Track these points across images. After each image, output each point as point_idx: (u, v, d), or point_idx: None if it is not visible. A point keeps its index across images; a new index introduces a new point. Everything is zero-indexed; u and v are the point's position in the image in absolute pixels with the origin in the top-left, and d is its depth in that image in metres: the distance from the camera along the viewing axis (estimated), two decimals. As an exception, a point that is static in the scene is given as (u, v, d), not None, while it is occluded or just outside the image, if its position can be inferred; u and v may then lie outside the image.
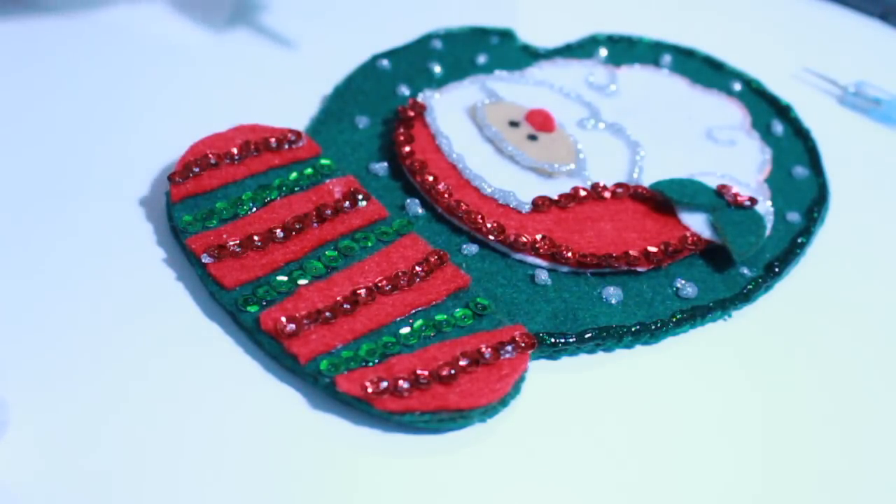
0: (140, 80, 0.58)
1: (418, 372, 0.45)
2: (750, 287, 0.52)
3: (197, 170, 0.51)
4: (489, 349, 0.46)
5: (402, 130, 0.55)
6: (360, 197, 0.52)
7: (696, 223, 0.53)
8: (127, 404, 0.45)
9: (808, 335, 0.51)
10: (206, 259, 0.48)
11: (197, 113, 0.56)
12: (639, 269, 0.52)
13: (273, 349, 0.46)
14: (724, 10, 0.70)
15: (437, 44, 0.62)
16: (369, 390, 0.44)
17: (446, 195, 0.53)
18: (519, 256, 0.51)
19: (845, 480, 0.46)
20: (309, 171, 0.53)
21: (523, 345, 0.47)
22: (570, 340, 0.48)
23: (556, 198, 0.54)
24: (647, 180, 0.55)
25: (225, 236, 0.49)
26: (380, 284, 0.48)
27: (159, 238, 0.51)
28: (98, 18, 0.58)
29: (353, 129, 0.57)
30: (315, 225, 0.51)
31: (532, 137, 0.56)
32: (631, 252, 0.52)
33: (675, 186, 0.54)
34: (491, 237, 0.51)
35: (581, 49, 0.64)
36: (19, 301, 0.48)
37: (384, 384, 0.45)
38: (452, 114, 0.57)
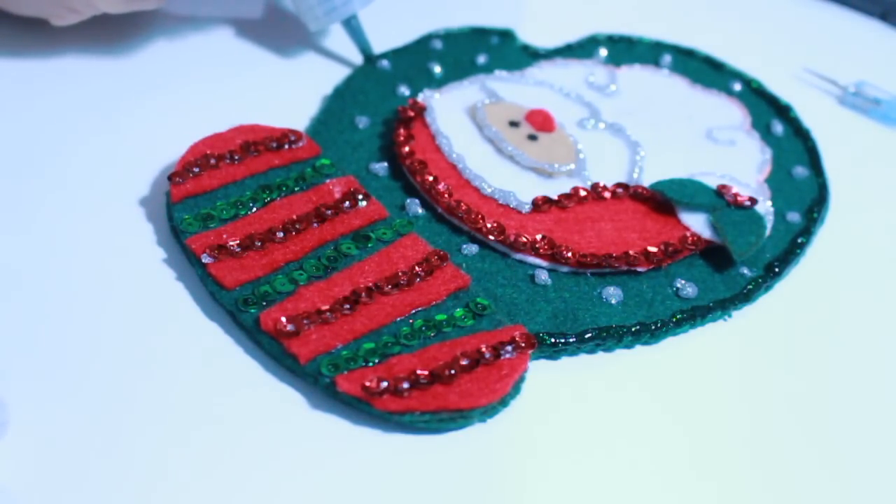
0: (140, 80, 0.58)
1: (418, 372, 0.45)
2: (750, 287, 0.52)
3: (197, 170, 0.51)
4: (489, 349, 0.46)
5: (402, 130, 0.55)
6: (360, 197, 0.52)
7: (696, 223, 0.53)
8: (126, 404, 0.45)
9: (808, 335, 0.51)
10: (206, 259, 0.48)
11: (197, 113, 0.56)
12: (639, 269, 0.52)
13: (273, 349, 0.46)
14: (724, 10, 0.70)
15: (437, 44, 0.62)
16: (369, 390, 0.44)
17: (446, 195, 0.53)
18: (519, 256, 0.51)
19: (846, 480, 0.46)
20: (309, 171, 0.53)
21: (523, 345, 0.47)
22: (570, 340, 0.48)
23: (556, 198, 0.54)
24: (647, 180, 0.55)
25: (225, 236, 0.49)
26: (380, 284, 0.48)
27: (159, 238, 0.51)
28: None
29: (353, 129, 0.57)
30: (315, 225, 0.51)
31: (532, 137, 0.56)
32: (631, 252, 0.52)
33: (675, 186, 0.54)
34: (491, 237, 0.51)
35: (581, 49, 0.64)
36: (19, 301, 0.48)
37: (384, 384, 0.45)
38: (452, 114, 0.57)
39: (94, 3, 0.55)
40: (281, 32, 0.62)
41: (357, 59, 0.61)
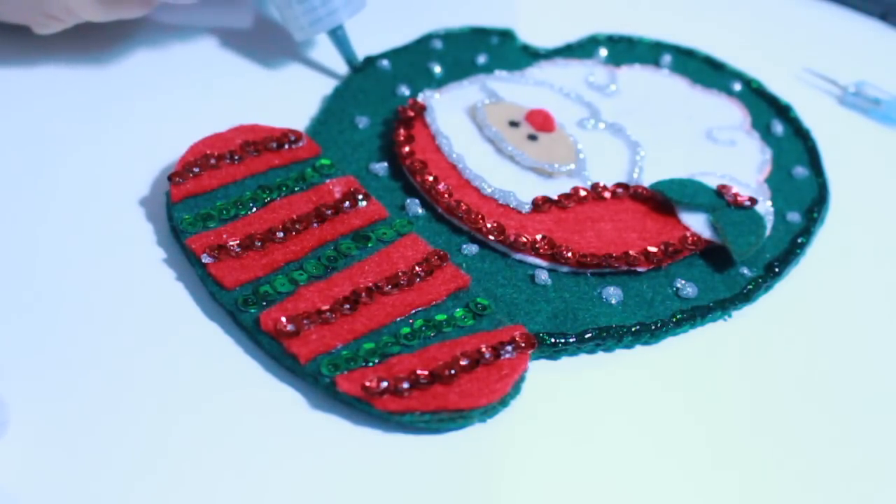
0: (140, 80, 0.58)
1: (418, 372, 0.45)
2: (750, 287, 0.52)
3: (197, 170, 0.51)
4: (489, 349, 0.46)
5: (402, 130, 0.55)
6: (360, 197, 0.52)
7: (696, 223, 0.53)
8: (127, 404, 0.45)
9: (808, 335, 0.51)
10: (206, 259, 0.48)
11: (197, 113, 0.56)
12: (639, 269, 0.52)
13: (273, 349, 0.46)
14: (724, 10, 0.70)
15: (437, 44, 0.62)
16: (369, 390, 0.44)
17: (446, 195, 0.53)
18: (519, 256, 0.51)
19: (846, 480, 0.46)
20: (309, 171, 0.53)
21: (523, 345, 0.47)
22: (570, 340, 0.48)
23: (556, 198, 0.54)
24: (647, 180, 0.55)
25: (225, 236, 0.49)
26: (380, 284, 0.48)
27: (159, 238, 0.51)
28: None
29: (353, 129, 0.57)
30: (315, 225, 0.51)
31: (532, 137, 0.56)
32: (631, 252, 0.52)
33: (675, 186, 0.54)
34: (491, 237, 0.51)
35: (581, 49, 0.64)
36: (19, 301, 0.48)
37: (384, 384, 0.45)
38: (452, 114, 0.57)
39: (74, 10, 0.54)
40: (280, 33, 0.62)
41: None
